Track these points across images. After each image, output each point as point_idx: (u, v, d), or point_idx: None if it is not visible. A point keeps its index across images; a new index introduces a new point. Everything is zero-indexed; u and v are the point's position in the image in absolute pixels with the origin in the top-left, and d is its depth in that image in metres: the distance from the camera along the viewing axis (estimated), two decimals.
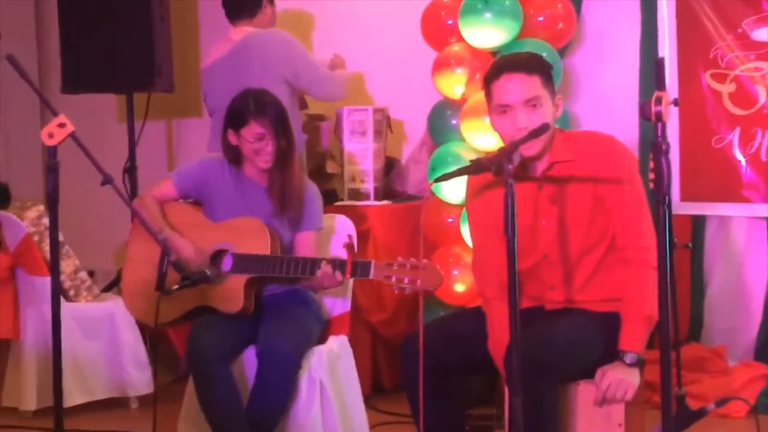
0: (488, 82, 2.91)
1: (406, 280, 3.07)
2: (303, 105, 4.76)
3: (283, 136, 3.40)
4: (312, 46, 5.25)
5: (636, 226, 2.87)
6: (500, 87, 2.86)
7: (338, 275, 3.20)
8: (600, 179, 2.89)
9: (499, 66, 2.91)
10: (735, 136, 4.51)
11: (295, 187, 3.45)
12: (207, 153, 4.37)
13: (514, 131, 2.83)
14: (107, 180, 3.05)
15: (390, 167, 4.86)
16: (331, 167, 4.85)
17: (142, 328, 4.46)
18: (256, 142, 3.38)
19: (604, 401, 2.80)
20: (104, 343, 4.52)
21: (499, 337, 2.88)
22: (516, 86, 2.83)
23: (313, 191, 3.54)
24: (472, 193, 3.06)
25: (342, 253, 3.26)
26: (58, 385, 3.10)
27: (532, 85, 2.83)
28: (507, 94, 2.85)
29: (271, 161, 3.41)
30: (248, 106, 3.39)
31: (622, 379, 2.78)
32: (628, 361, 2.81)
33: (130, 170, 5.17)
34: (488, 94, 2.91)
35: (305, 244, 3.47)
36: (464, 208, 4.35)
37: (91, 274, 4.78)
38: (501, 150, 2.68)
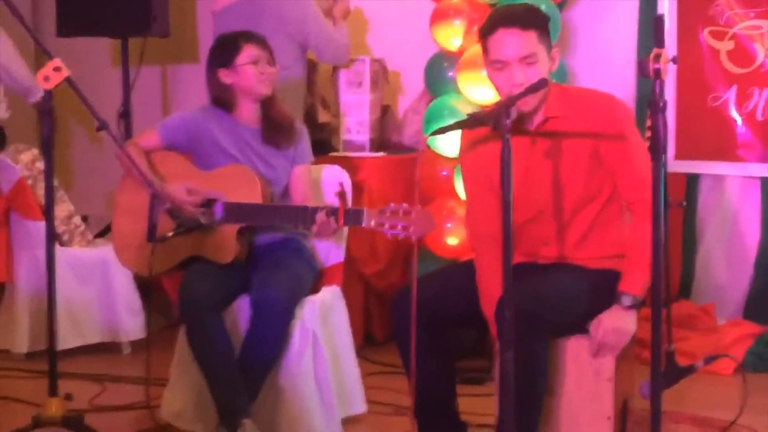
0: (484, 35, 2.88)
1: (399, 226, 3.07)
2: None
3: (272, 63, 3.46)
4: None
5: (642, 180, 2.81)
6: (495, 42, 2.83)
7: (332, 223, 3.21)
8: (597, 135, 2.88)
9: (495, 20, 2.87)
10: (732, 94, 4.50)
11: (288, 117, 3.52)
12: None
13: (511, 87, 2.81)
14: (103, 125, 3.04)
15: (383, 114, 4.82)
16: (323, 116, 4.83)
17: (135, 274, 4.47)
18: (255, 65, 3.40)
19: (600, 350, 2.83)
20: (97, 289, 4.54)
21: (489, 290, 2.89)
22: (511, 43, 2.80)
23: (301, 126, 3.60)
24: (466, 146, 3.06)
25: (334, 201, 3.26)
26: (52, 328, 3.12)
27: (528, 41, 2.80)
28: (502, 51, 2.82)
29: (272, 85, 3.45)
30: (237, 37, 3.46)
31: (617, 326, 2.80)
32: (625, 304, 2.82)
33: (125, 115, 5.14)
34: (484, 48, 2.89)
35: (301, 178, 3.52)
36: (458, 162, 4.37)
37: (84, 219, 4.78)
38: (499, 104, 2.67)
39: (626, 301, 2.83)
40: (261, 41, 3.47)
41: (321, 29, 4.37)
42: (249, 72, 3.41)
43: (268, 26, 4.24)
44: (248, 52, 3.42)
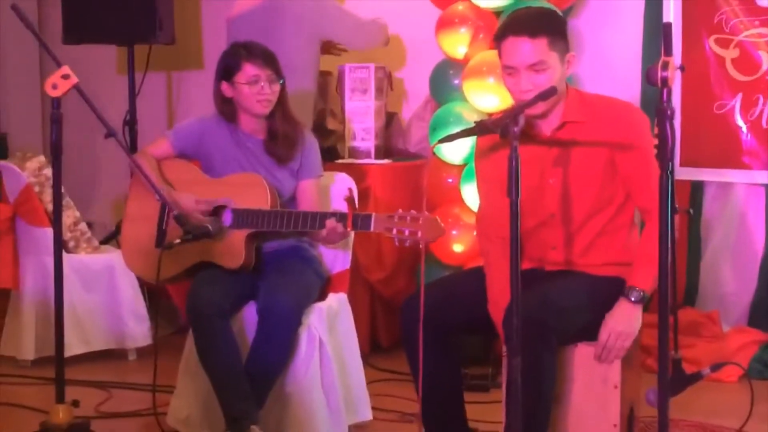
0: (496, 40, 2.89)
1: (406, 232, 3.07)
2: None
3: (276, 80, 3.42)
4: None
5: (656, 190, 2.83)
6: (506, 49, 2.84)
7: (341, 228, 3.22)
8: (614, 144, 2.87)
9: (506, 26, 2.88)
10: (737, 102, 4.51)
11: (294, 131, 3.48)
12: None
13: (519, 93, 2.83)
14: (111, 133, 3.06)
15: (389, 121, 4.84)
16: (331, 124, 4.84)
17: (141, 280, 4.48)
18: (253, 85, 3.38)
19: (603, 352, 2.83)
20: (103, 295, 4.54)
21: (497, 297, 2.89)
22: (520, 50, 2.80)
23: (311, 139, 3.57)
24: (481, 152, 3.06)
25: (342, 207, 3.27)
26: (59, 335, 3.13)
27: (537, 48, 2.80)
28: (511, 57, 2.83)
29: (270, 105, 3.42)
30: (239, 52, 3.43)
31: (621, 330, 2.81)
32: (633, 299, 2.83)
33: (130, 123, 5.17)
34: (498, 52, 2.90)
35: (307, 193, 3.50)
36: (464, 169, 4.37)
37: (89, 225, 4.79)
38: (506, 112, 2.68)
39: (634, 296, 2.84)
40: (265, 57, 3.42)
41: (344, 18, 4.42)
42: (246, 92, 3.40)
43: (287, 30, 4.25)
44: (247, 72, 3.39)
